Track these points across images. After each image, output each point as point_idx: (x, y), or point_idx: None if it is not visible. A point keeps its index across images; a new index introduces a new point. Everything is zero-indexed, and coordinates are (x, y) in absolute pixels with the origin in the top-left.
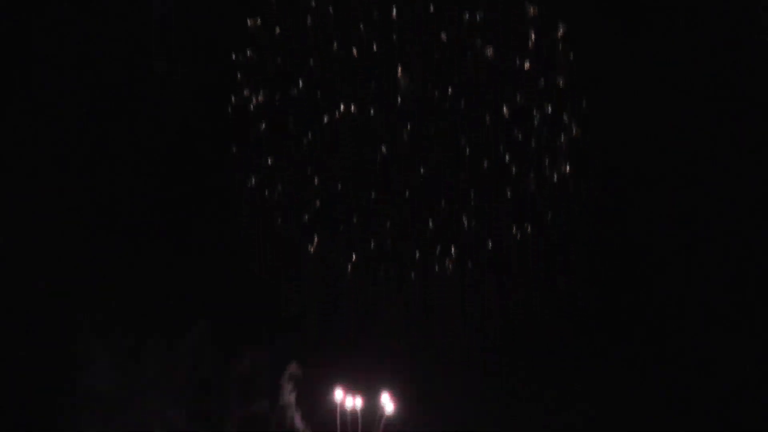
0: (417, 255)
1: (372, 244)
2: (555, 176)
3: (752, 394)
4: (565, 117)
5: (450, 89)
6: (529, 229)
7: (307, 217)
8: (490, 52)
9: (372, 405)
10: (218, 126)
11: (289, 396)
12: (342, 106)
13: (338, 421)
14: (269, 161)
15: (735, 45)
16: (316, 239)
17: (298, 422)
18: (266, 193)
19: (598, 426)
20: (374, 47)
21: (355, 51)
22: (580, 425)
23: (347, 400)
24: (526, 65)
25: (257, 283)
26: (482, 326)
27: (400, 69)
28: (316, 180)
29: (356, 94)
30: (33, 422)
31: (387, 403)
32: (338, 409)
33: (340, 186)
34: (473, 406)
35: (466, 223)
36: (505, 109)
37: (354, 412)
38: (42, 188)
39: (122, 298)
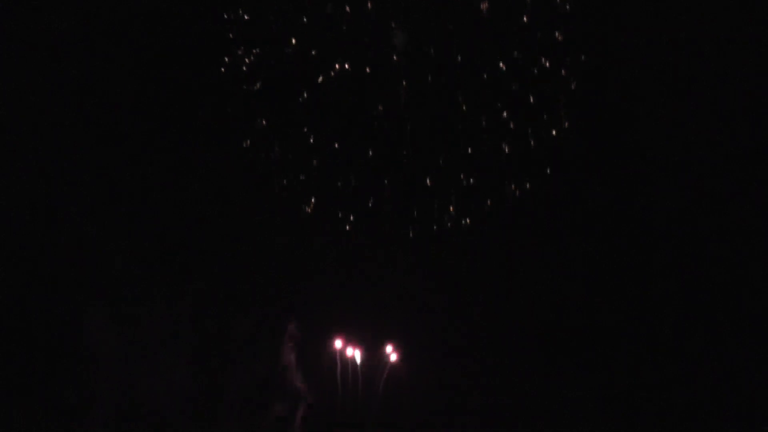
0: (415, 213)
1: (370, 203)
2: (554, 132)
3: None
4: (563, 71)
5: (446, 44)
6: (528, 186)
7: (303, 176)
8: (485, 5)
9: (373, 358)
10: (211, 87)
11: (289, 357)
12: (337, 65)
13: (338, 369)
14: (264, 122)
15: None
16: (313, 199)
17: (300, 383)
18: (262, 154)
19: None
20: (369, 4)
21: (347, 8)
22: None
23: (347, 349)
24: (524, 19)
25: (255, 245)
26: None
27: (394, 25)
28: (311, 139)
29: (351, 52)
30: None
31: (390, 353)
32: (338, 357)
33: (336, 145)
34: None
35: (464, 180)
36: (502, 64)
37: (353, 361)
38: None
39: (120, 259)
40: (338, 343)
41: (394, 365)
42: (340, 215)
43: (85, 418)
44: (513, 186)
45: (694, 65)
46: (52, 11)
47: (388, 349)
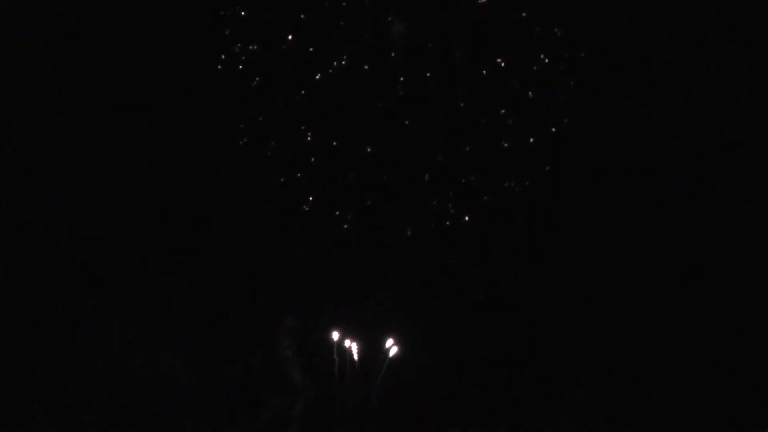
0: (414, 210)
1: (369, 200)
2: (553, 128)
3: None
4: (562, 67)
5: (444, 40)
6: (527, 182)
7: (300, 174)
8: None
9: (372, 352)
10: (208, 84)
11: (287, 350)
12: (334, 61)
13: (336, 363)
14: (261, 118)
15: None
16: (311, 196)
17: (298, 377)
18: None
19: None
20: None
21: (344, 2)
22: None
23: (345, 342)
24: (522, 14)
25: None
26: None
27: (391, 20)
28: (309, 136)
29: (348, 48)
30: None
31: (391, 346)
32: (335, 348)
33: (334, 142)
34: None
35: (462, 177)
36: (500, 60)
37: (351, 354)
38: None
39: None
40: (335, 336)
41: (393, 359)
42: (338, 212)
43: (83, 415)
44: (512, 183)
45: (696, 60)
46: (49, 8)
47: (388, 342)
